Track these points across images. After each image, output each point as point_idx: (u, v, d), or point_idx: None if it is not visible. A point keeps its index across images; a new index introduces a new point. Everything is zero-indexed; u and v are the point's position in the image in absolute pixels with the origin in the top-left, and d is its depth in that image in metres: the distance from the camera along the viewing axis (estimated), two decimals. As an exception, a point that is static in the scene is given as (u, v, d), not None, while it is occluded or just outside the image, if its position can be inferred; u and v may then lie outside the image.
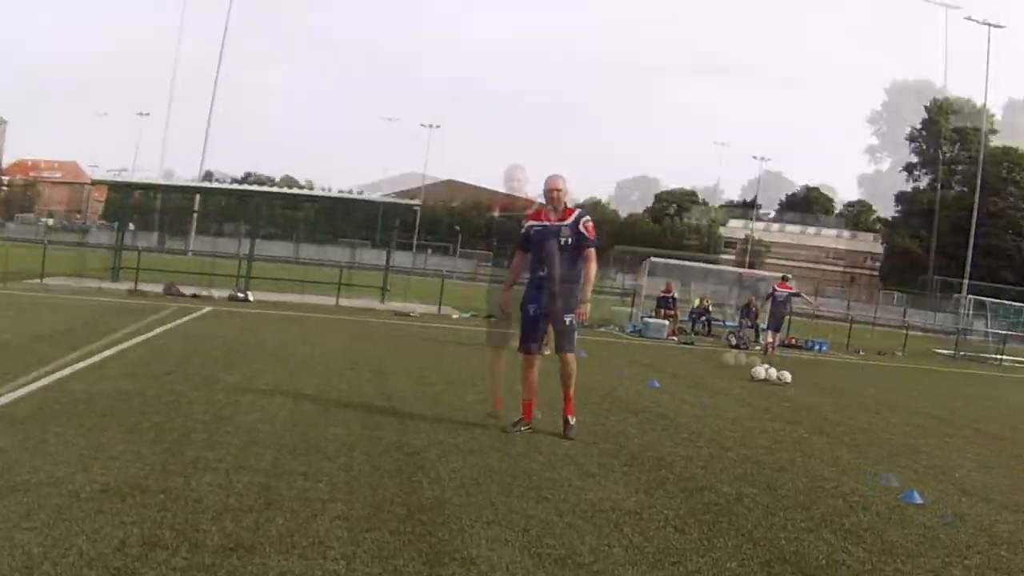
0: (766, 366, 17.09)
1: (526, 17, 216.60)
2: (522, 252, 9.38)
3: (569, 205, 9.21)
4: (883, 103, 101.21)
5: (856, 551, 6.01)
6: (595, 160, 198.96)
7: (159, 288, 26.06)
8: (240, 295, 26.11)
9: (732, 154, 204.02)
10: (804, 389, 16.09)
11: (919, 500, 7.63)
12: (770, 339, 25.95)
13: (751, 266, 79.08)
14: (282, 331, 17.80)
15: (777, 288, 26.97)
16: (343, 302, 28.13)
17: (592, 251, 9.10)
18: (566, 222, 9.02)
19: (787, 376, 16.45)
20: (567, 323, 9.03)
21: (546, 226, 9.08)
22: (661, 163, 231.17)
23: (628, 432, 9.68)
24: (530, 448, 8.30)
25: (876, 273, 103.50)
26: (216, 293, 26.30)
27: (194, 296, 25.48)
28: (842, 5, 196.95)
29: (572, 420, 9.15)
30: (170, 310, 20.22)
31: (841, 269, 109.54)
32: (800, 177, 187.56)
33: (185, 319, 18.62)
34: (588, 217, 9.17)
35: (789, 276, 29.02)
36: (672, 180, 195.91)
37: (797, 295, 27.24)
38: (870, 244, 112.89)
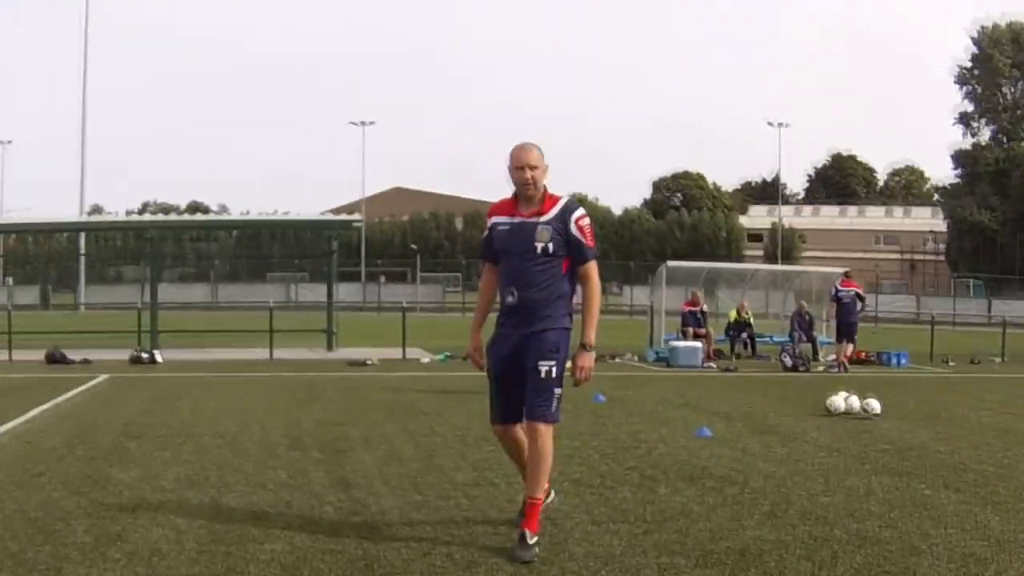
0: (845, 394, 16.01)
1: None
2: (491, 268, 7.72)
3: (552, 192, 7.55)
4: (972, 55, 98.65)
5: None
6: (622, 152, 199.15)
7: (40, 356, 24.99)
8: (144, 356, 25.07)
9: (794, 138, 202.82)
10: (900, 421, 15.09)
11: None
12: (848, 352, 25.76)
13: (786, 259, 78.59)
14: (198, 401, 16.63)
15: (840, 287, 26.42)
16: (279, 354, 27.10)
17: (591, 266, 7.44)
18: (545, 217, 7.31)
19: (875, 405, 15.36)
20: (542, 374, 7.22)
21: (515, 224, 7.40)
22: (707, 154, 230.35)
23: (688, 510, 8.54)
24: (556, 549, 7.14)
25: (942, 257, 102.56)
26: (114, 356, 25.20)
27: (84, 362, 24.46)
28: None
29: (531, 538, 7.00)
30: (50, 384, 19.03)
31: (898, 256, 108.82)
32: (879, 160, 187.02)
33: (70, 394, 17.46)
34: (581, 211, 7.49)
35: (849, 271, 28.31)
36: (722, 175, 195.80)
37: (861, 296, 26.49)
38: (929, 221, 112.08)
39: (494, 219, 7.58)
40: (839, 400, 15.76)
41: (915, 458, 11.64)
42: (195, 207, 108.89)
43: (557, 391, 7.30)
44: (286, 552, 6.94)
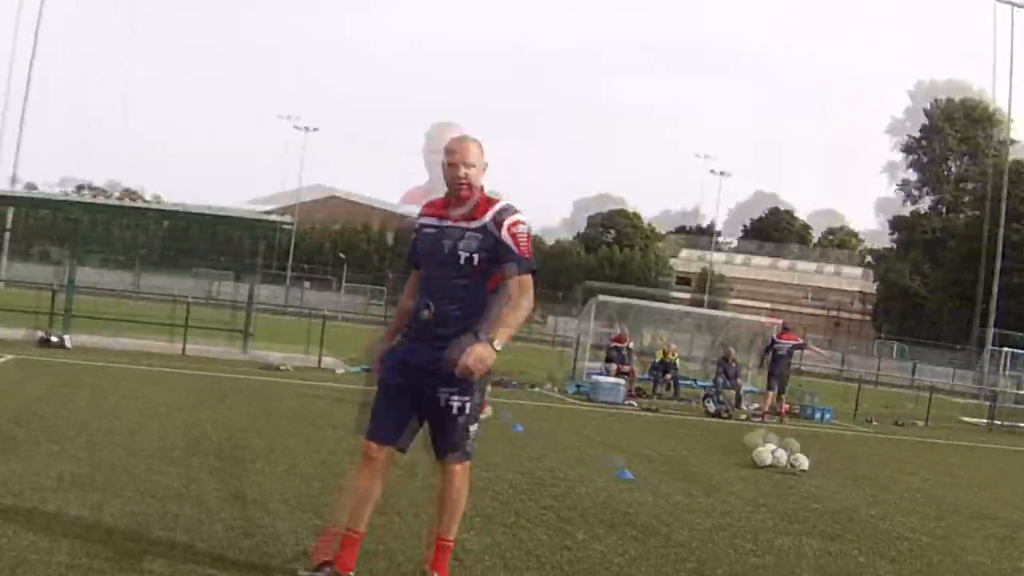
0: (771, 447, 15.48)
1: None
2: (417, 273, 6.73)
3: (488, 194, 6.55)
4: (906, 109, 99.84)
5: None
6: (546, 173, 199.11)
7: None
8: (54, 339, 24.07)
9: (719, 174, 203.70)
10: (827, 480, 14.63)
11: None
12: (774, 400, 25.88)
13: (712, 306, 78.48)
14: (101, 391, 15.76)
15: (778, 339, 26.21)
16: (192, 348, 26.17)
17: (525, 281, 6.30)
18: (475, 223, 6.34)
19: (803, 461, 14.86)
20: (454, 410, 6.35)
21: (441, 228, 6.45)
22: (630, 182, 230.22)
23: (608, 560, 7.95)
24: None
25: (869, 317, 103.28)
26: (22, 336, 24.23)
27: (-10, 342, 23.31)
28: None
29: None
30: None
31: (824, 312, 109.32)
32: (802, 202, 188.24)
33: (-35, 376, 16.54)
34: (518, 216, 6.40)
35: (789, 324, 28.10)
36: (644, 203, 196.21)
37: (802, 347, 26.20)
38: (859, 281, 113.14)
39: (422, 220, 6.63)
40: (766, 453, 15.24)
41: (846, 521, 11.14)
42: (129, 194, 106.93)
43: (473, 428, 6.46)
44: (164, 574, 6.23)
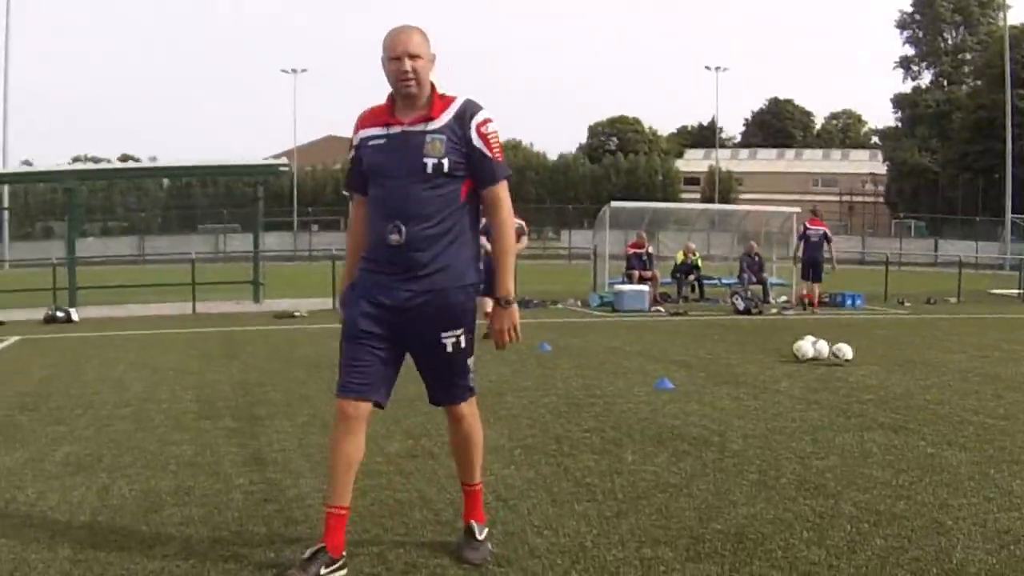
0: (812, 339, 14.82)
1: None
2: (363, 201, 5.72)
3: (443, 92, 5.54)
4: (914, 1, 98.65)
5: None
6: (556, 101, 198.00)
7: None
8: (60, 315, 23.45)
9: (732, 84, 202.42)
10: (874, 367, 13.96)
11: None
12: (816, 293, 25.68)
13: (723, 203, 77.62)
14: (108, 363, 15.11)
15: (809, 226, 25.79)
16: (203, 308, 25.55)
17: (501, 190, 5.53)
18: (436, 123, 5.39)
19: (846, 351, 14.17)
20: (449, 347, 5.52)
21: (393, 135, 5.45)
22: (645, 100, 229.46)
23: (664, 482, 7.28)
24: (512, 543, 5.85)
25: (881, 199, 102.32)
26: (31, 315, 23.58)
27: (-3, 323, 22.78)
28: None
29: (480, 531, 5.74)
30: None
31: (836, 198, 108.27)
32: (819, 106, 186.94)
33: (-29, 360, 15.91)
34: (485, 114, 5.48)
35: (817, 209, 27.49)
36: (660, 120, 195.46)
37: (828, 236, 25.65)
38: (867, 163, 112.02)
39: (362, 133, 5.56)
40: (807, 345, 14.59)
41: (903, 410, 10.47)
42: (125, 158, 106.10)
43: (470, 362, 5.63)
44: (178, 559, 5.59)
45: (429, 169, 5.30)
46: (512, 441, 8.66)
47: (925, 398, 11.25)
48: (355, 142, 5.59)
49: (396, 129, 5.41)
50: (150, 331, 20.69)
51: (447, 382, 5.61)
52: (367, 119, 5.57)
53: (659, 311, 24.95)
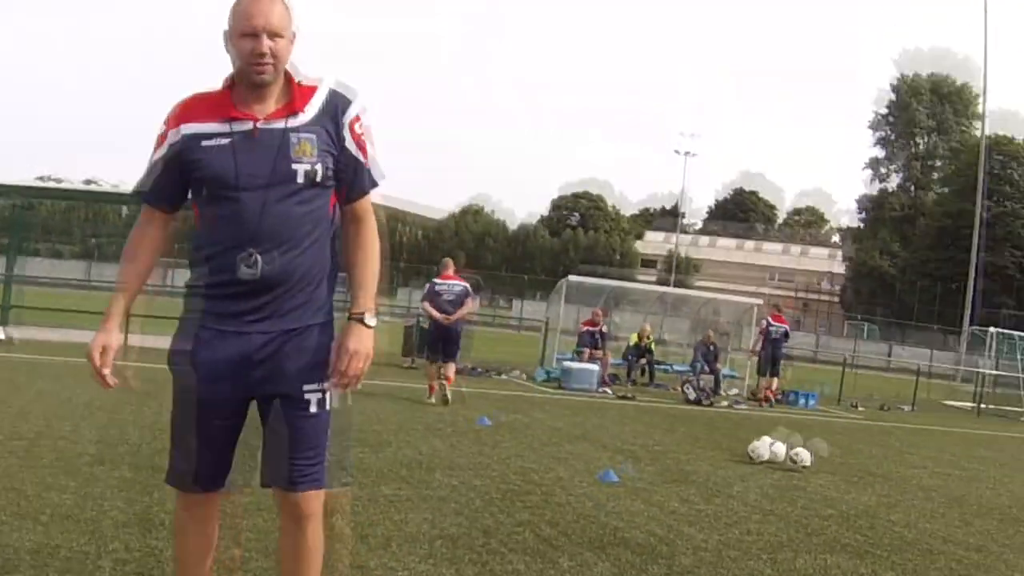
0: (768, 440, 13.96)
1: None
2: (162, 216, 4.45)
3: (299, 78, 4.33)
4: (889, 102, 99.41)
5: None
6: (522, 165, 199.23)
7: None
8: (-2, 336, 22.48)
9: (705, 158, 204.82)
10: (832, 476, 13.15)
11: None
12: (773, 386, 25.51)
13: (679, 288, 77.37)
14: (18, 388, 14.23)
15: (772, 321, 25.74)
16: (140, 341, 24.34)
17: (369, 200, 4.40)
18: (302, 118, 4.23)
19: (804, 457, 13.30)
20: (313, 406, 4.31)
21: (244, 134, 4.19)
22: (614, 169, 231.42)
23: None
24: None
25: (837, 299, 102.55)
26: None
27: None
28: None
29: None
30: None
31: (792, 293, 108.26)
32: (789, 182, 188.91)
33: None
34: (358, 106, 4.34)
35: (780, 305, 27.32)
36: (631, 187, 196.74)
37: (787, 333, 25.35)
38: (826, 262, 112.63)
39: (187, 129, 4.22)
40: (762, 447, 13.71)
41: (868, 530, 9.63)
42: (89, 182, 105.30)
43: (328, 436, 4.39)
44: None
45: (300, 178, 4.16)
46: (435, 528, 7.71)
47: (890, 519, 10.40)
48: (171, 140, 4.25)
49: (246, 125, 4.17)
50: (80, 358, 19.60)
51: (302, 455, 4.30)
52: (193, 109, 4.26)
53: (607, 392, 24.01)
